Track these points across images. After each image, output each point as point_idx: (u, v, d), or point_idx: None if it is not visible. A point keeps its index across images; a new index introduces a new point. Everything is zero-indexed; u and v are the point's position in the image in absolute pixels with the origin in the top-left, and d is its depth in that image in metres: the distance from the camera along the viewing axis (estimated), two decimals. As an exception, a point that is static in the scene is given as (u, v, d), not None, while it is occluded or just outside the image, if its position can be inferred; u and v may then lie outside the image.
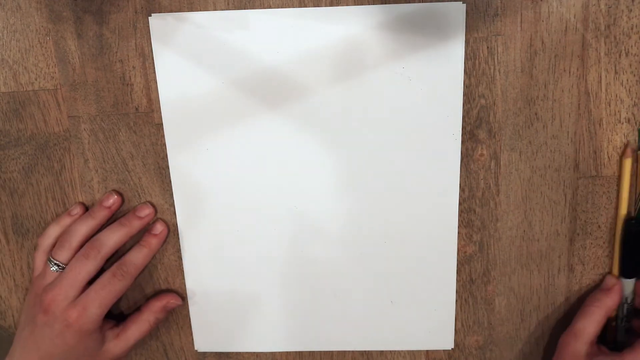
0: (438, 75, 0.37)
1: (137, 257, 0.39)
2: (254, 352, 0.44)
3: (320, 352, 0.44)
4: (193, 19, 0.36)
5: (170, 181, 0.40)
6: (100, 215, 0.39)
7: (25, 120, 0.39)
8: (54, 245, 0.40)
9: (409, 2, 0.36)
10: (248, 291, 0.42)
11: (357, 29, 0.36)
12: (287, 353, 0.44)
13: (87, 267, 0.37)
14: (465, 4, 0.36)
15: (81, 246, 0.39)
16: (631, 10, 0.36)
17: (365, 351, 0.44)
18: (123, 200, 0.40)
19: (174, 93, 0.38)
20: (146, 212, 0.40)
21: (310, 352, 0.44)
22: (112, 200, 0.40)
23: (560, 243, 0.41)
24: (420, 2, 0.36)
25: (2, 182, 0.41)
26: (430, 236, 0.41)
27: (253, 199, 0.40)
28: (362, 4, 0.36)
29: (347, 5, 0.36)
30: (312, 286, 0.42)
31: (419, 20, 0.36)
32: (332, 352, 0.44)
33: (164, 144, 0.39)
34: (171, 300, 0.42)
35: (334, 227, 0.41)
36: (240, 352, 0.44)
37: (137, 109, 0.39)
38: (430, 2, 0.36)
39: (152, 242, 0.40)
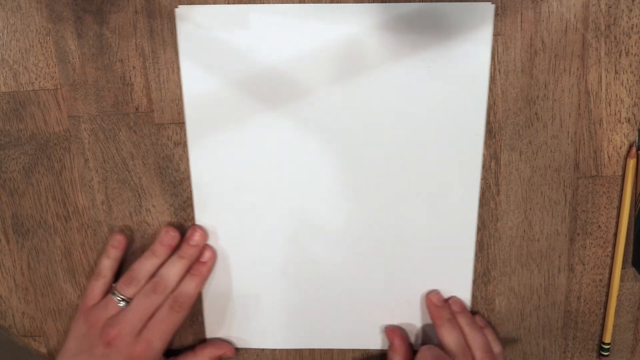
0: (463, 74, 0.37)
1: (191, 287, 0.39)
2: (255, 350, 0.44)
3: (320, 350, 0.44)
4: (218, 12, 0.36)
5: (170, 181, 0.40)
6: (162, 252, 0.40)
7: (25, 120, 0.39)
8: (110, 277, 0.40)
9: (439, 1, 0.36)
10: (249, 289, 0.42)
11: (381, 26, 0.36)
12: (287, 351, 0.44)
13: (155, 300, 0.38)
14: (494, 4, 0.35)
15: (146, 282, 0.39)
16: (631, 10, 0.35)
17: (365, 349, 0.44)
18: (182, 235, 0.40)
19: (198, 89, 0.38)
20: (197, 238, 0.40)
21: (310, 349, 0.44)
22: (171, 237, 0.40)
23: (560, 243, 0.41)
24: (449, 1, 0.35)
25: (2, 182, 0.41)
26: (447, 239, 0.40)
27: (260, 198, 0.40)
28: (384, 2, 0.36)
29: (368, 3, 0.36)
30: (312, 284, 0.42)
31: (447, 19, 0.36)
32: (332, 350, 0.44)
33: (164, 144, 0.39)
34: (227, 353, 0.43)
35: (337, 226, 0.41)
36: (240, 349, 0.44)
37: (137, 109, 0.39)
38: (459, 1, 0.35)
39: (202, 271, 0.40)
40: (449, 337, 0.39)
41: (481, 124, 0.38)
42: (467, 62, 0.37)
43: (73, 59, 0.38)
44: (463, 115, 0.38)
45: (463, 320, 0.40)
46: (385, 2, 0.36)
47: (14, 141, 0.40)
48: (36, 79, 0.38)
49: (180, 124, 0.39)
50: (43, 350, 0.45)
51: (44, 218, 0.41)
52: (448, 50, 0.36)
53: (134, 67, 0.38)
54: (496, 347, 0.40)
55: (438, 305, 0.40)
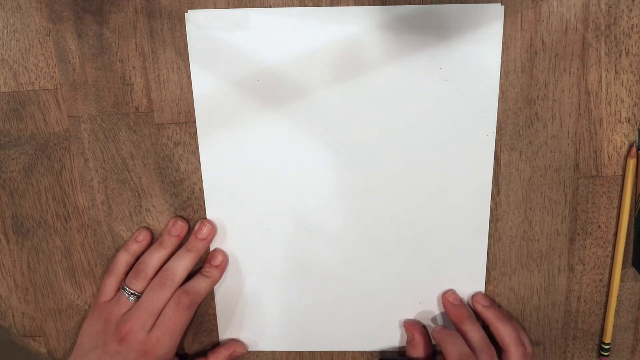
0: (474, 76, 0.37)
1: (201, 286, 0.40)
2: (254, 351, 0.44)
3: (320, 352, 0.44)
4: (229, 16, 0.36)
5: (170, 181, 0.40)
6: (170, 244, 0.40)
7: (25, 120, 0.39)
8: (124, 273, 0.40)
9: (441, 3, 0.36)
10: (249, 290, 0.42)
11: (384, 27, 0.36)
12: (287, 353, 0.44)
13: (163, 295, 0.38)
14: (503, 6, 0.35)
15: (154, 275, 0.39)
16: (631, 10, 0.35)
17: (365, 351, 0.44)
18: (189, 227, 0.41)
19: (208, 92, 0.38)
20: (206, 231, 0.40)
21: (310, 352, 0.44)
22: (179, 227, 0.40)
23: (560, 243, 0.41)
24: (458, 2, 0.35)
25: (2, 182, 0.41)
26: (457, 242, 0.40)
27: (262, 198, 0.40)
28: (384, 4, 0.36)
29: (368, 5, 0.36)
30: (312, 286, 0.42)
31: (457, 21, 0.36)
32: (332, 352, 0.44)
33: (164, 144, 0.39)
34: (237, 349, 0.43)
35: (339, 227, 0.41)
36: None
37: (137, 108, 0.39)
38: (468, 3, 0.35)
39: (214, 274, 0.40)
40: (470, 334, 0.39)
41: (492, 126, 0.38)
42: (478, 64, 0.36)
43: (73, 59, 0.38)
44: (474, 117, 0.38)
45: (492, 315, 0.40)
46: (386, 5, 0.36)
47: (14, 141, 0.40)
48: (36, 79, 0.38)
49: (180, 123, 0.39)
50: (43, 350, 0.45)
51: (44, 218, 0.41)
52: (458, 52, 0.36)
53: (134, 67, 0.38)
54: (523, 337, 0.40)
55: (455, 304, 0.40)
